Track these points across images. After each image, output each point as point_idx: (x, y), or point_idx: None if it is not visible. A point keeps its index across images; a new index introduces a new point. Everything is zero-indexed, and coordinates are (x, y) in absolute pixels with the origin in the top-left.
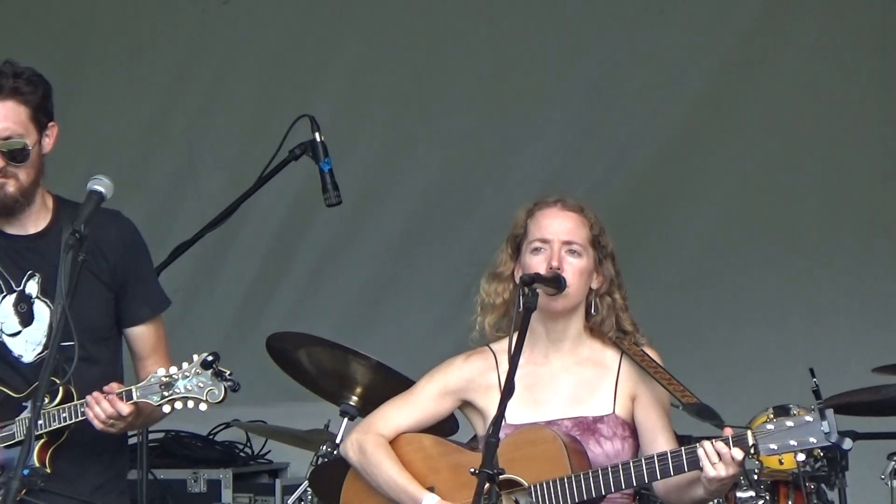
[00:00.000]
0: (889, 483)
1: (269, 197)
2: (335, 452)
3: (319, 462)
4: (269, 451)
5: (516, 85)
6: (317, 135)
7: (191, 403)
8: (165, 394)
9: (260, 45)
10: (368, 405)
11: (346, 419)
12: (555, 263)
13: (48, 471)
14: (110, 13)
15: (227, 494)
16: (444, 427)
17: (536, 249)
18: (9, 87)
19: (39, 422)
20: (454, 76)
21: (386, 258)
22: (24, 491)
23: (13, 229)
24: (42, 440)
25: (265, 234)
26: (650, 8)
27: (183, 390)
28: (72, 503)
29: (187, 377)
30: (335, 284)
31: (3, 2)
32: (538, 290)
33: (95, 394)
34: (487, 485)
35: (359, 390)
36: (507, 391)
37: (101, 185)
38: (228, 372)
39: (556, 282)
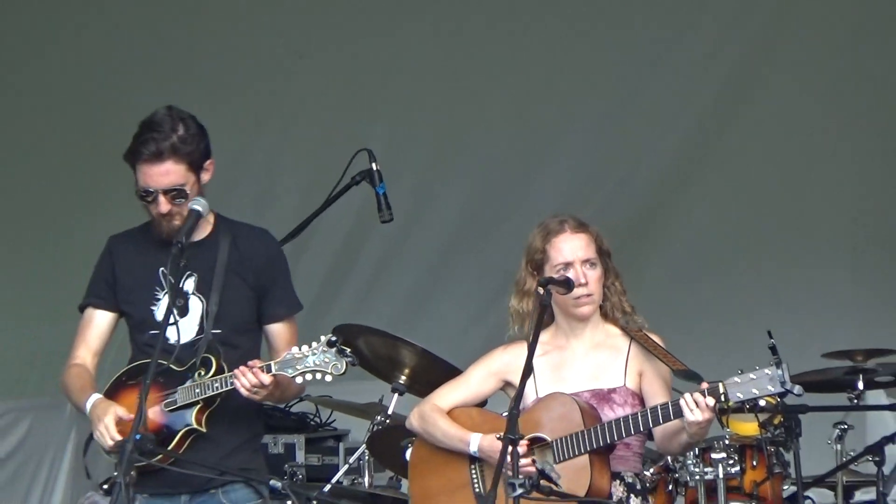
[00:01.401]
0: (834, 447)
1: (335, 216)
2: (388, 421)
3: (375, 429)
4: (335, 420)
5: (537, 118)
6: (373, 165)
7: (318, 375)
8: (298, 367)
9: (326, 92)
10: (415, 383)
11: (396, 395)
12: (583, 280)
13: (152, 437)
14: (204, 61)
15: (300, 455)
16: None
17: (561, 271)
18: (168, 150)
19: (196, 390)
20: (485, 114)
21: (430, 265)
22: (135, 452)
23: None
24: (198, 405)
25: (331, 245)
26: (654, 45)
27: (312, 364)
28: (203, 470)
29: (315, 354)
30: (388, 286)
31: (105, 46)
32: (551, 290)
33: (242, 367)
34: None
35: (407, 371)
36: (527, 373)
37: (198, 205)
38: (349, 350)
39: (565, 284)
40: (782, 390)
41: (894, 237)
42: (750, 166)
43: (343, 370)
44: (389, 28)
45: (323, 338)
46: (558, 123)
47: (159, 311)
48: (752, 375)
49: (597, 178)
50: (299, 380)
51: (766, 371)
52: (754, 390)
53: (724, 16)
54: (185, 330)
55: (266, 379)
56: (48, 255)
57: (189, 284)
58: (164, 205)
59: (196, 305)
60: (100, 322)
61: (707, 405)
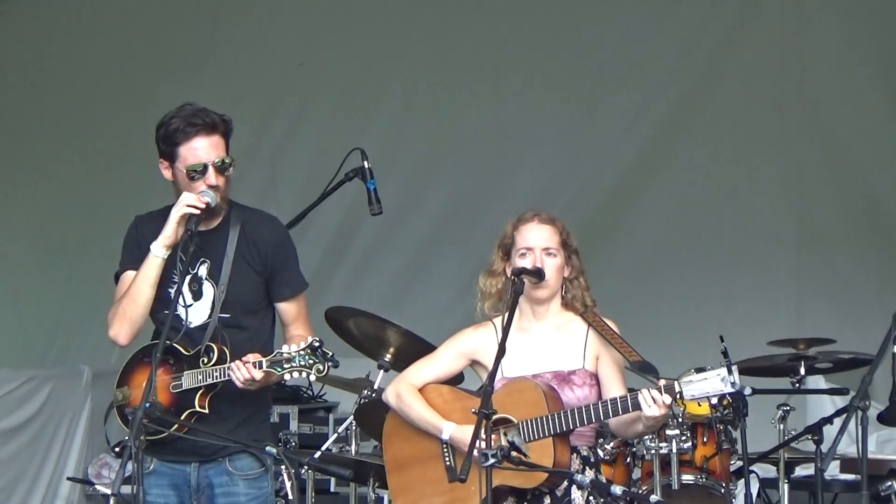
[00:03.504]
0: (777, 426)
1: (330, 208)
2: (374, 395)
3: (362, 402)
4: (325, 393)
5: (512, 128)
6: (365, 163)
7: (304, 374)
8: (286, 366)
9: (324, 96)
10: (399, 361)
11: (381, 371)
12: (538, 264)
13: (161, 404)
14: (216, 69)
15: (293, 424)
16: (454, 380)
17: (523, 254)
18: (221, 127)
19: (199, 377)
20: (467, 122)
21: (414, 255)
22: (145, 418)
23: (199, 226)
24: (201, 390)
25: (327, 234)
26: (615, 62)
27: (298, 364)
28: (215, 438)
29: (302, 355)
30: (376, 273)
31: (121, 55)
32: (524, 279)
33: (237, 362)
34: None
35: (392, 350)
36: (501, 353)
37: (208, 196)
38: (331, 353)
39: (537, 273)
40: (733, 391)
41: (833, 237)
42: (702, 172)
43: (325, 372)
44: (382, 43)
45: (310, 339)
46: (529, 132)
47: (175, 293)
48: (705, 375)
49: (561, 181)
50: (287, 377)
51: (719, 372)
52: (707, 389)
53: (682, 34)
54: (198, 313)
55: (257, 375)
56: (73, 233)
57: (202, 270)
58: (216, 177)
59: (208, 290)
60: None
61: (664, 402)
